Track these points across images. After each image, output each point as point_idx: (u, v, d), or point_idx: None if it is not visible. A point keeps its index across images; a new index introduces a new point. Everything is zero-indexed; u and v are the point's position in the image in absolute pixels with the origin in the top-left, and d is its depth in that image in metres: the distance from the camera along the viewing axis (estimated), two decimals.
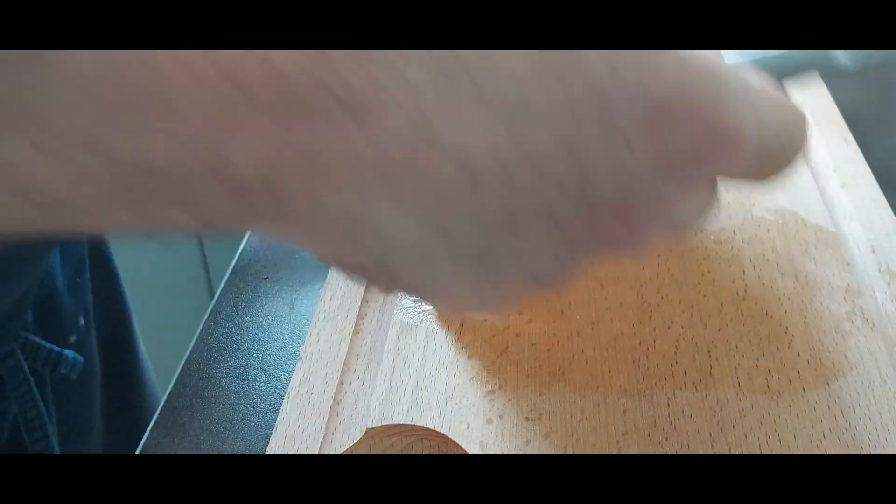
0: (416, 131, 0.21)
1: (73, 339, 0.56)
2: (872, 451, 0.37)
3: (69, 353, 0.53)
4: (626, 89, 0.22)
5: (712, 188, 0.26)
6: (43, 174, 0.19)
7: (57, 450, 0.53)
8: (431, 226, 0.22)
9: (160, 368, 0.70)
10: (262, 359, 0.45)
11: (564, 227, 0.23)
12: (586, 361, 0.40)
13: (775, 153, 0.26)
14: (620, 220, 0.23)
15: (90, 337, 0.59)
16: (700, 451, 0.37)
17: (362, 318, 0.43)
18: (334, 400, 0.39)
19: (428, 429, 0.37)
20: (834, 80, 0.66)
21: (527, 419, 0.37)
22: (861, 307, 0.43)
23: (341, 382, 0.40)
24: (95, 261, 0.61)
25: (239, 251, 0.54)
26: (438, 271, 0.23)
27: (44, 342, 0.52)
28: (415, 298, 0.32)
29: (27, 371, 0.50)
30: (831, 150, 0.57)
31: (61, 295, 0.55)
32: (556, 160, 0.22)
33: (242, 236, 0.56)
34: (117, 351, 0.63)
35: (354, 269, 0.25)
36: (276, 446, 0.37)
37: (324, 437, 0.37)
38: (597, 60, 0.22)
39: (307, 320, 0.48)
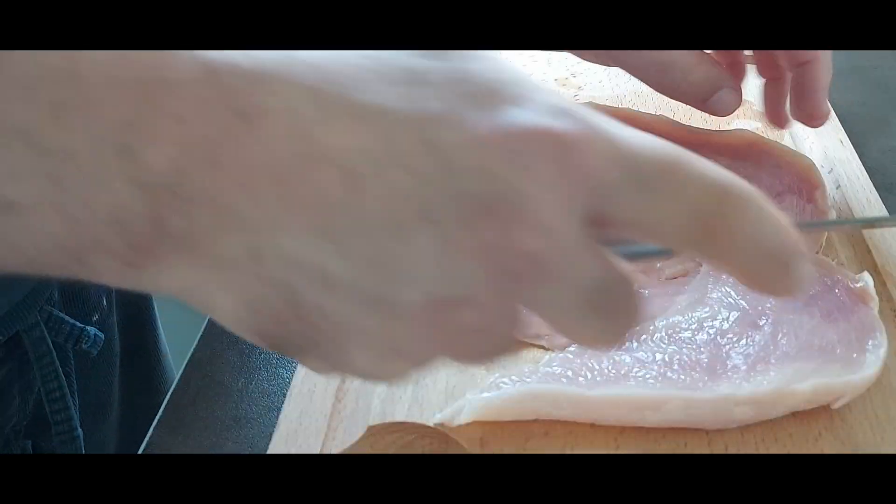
0: (299, 135, 0.23)
1: (95, 317, 0.58)
2: (868, 451, 0.37)
3: (91, 329, 0.55)
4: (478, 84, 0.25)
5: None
6: None
7: (77, 423, 0.54)
8: (325, 238, 0.24)
9: None
10: (265, 357, 0.46)
11: (441, 224, 0.24)
12: None
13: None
14: (493, 217, 0.24)
15: (111, 316, 0.61)
16: (697, 451, 0.37)
17: None
18: (336, 398, 0.39)
19: (429, 426, 0.37)
20: (831, 80, 0.66)
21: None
22: None
23: (343, 381, 0.40)
24: None
25: None
26: (339, 290, 0.24)
27: (66, 317, 0.54)
28: None
29: (50, 344, 0.52)
30: (827, 151, 0.57)
31: None
32: (420, 156, 0.24)
33: None
34: (137, 331, 0.65)
35: (266, 321, 0.25)
36: (278, 443, 0.37)
37: (325, 434, 0.38)
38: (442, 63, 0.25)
39: None
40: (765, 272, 0.27)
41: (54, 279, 0.49)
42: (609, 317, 0.27)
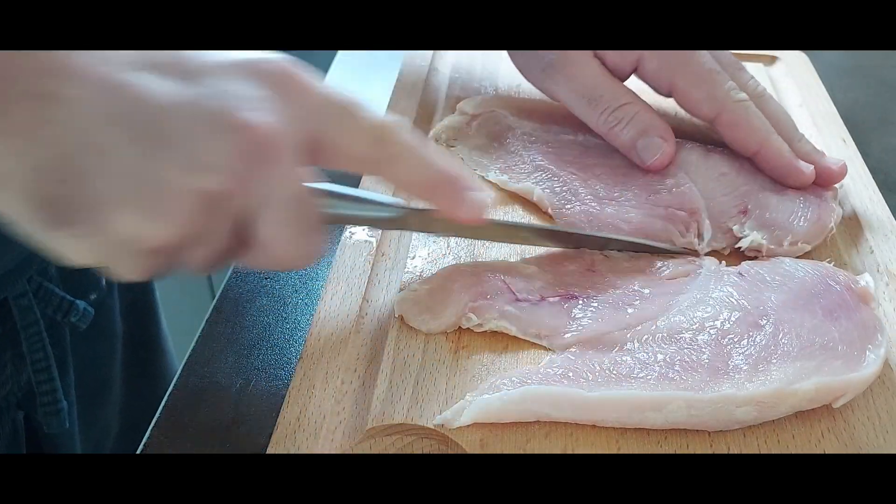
0: (80, 52, 0.30)
1: (93, 296, 0.59)
2: (871, 452, 0.37)
3: (81, 303, 0.56)
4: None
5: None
6: None
7: (61, 395, 0.55)
8: (105, 104, 0.30)
9: None
10: (263, 358, 0.46)
11: (197, 103, 0.31)
12: None
13: None
14: (235, 100, 0.32)
15: (112, 298, 0.62)
16: (699, 451, 0.37)
17: (362, 318, 0.43)
18: (335, 399, 0.39)
19: (428, 428, 0.37)
20: (832, 80, 0.66)
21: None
22: None
23: (341, 382, 0.40)
24: None
25: None
26: (111, 153, 0.30)
27: (57, 289, 0.55)
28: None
29: (38, 314, 0.53)
30: (830, 151, 0.57)
31: None
32: (172, 58, 0.32)
33: None
34: (139, 317, 0.67)
35: (46, 182, 0.30)
36: (277, 445, 0.37)
37: (324, 436, 0.38)
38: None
39: (307, 320, 0.48)
40: (433, 188, 0.38)
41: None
42: (307, 227, 0.35)
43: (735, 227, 0.47)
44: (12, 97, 0.29)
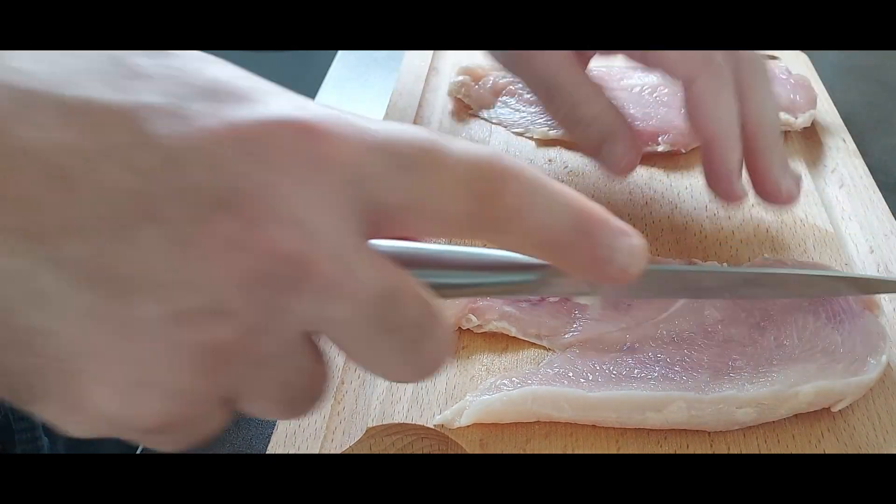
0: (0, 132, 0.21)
1: None
2: (871, 452, 0.37)
3: None
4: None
5: None
6: None
7: (41, 432, 0.52)
8: (34, 243, 0.21)
9: None
10: None
11: (170, 222, 0.22)
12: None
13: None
14: (231, 212, 0.22)
15: None
16: (699, 452, 0.37)
17: None
18: (335, 399, 0.39)
19: (428, 428, 0.37)
20: (832, 79, 0.66)
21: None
22: None
23: (342, 381, 0.40)
24: None
25: None
26: (57, 305, 0.22)
27: None
28: None
29: None
30: (829, 151, 0.57)
31: None
32: (136, 149, 0.22)
33: None
34: None
35: None
36: (276, 445, 0.37)
37: (324, 436, 0.38)
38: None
39: None
40: (567, 247, 0.26)
41: None
42: (406, 339, 0.24)
43: None
44: None
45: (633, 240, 0.27)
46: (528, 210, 0.25)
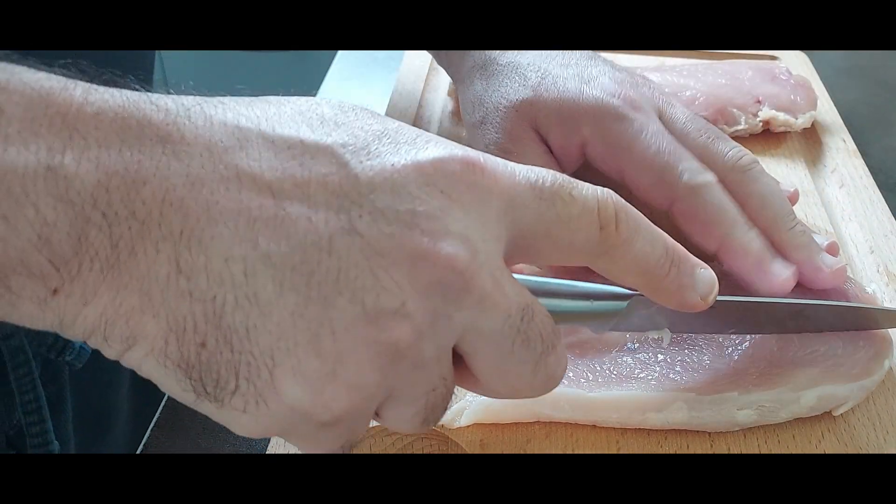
0: (217, 158, 0.25)
1: None
2: (871, 452, 0.37)
3: (77, 342, 0.52)
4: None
5: None
6: None
7: (52, 437, 0.53)
8: (251, 250, 0.25)
9: None
10: None
11: (366, 236, 0.25)
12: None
13: None
14: (416, 230, 0.26)
15: None
16: (699, 452, 0.37)
17: None
18: None
19: None
20: (832, 80, 0.66)
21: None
22: None
23: None
24: None
25: None
26: (266, 304, 0.25)
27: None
28: None
29: (30, 354, 0.50)
30: (829, 151, 0.57)
31: None
32: (337, 176, 0.26)
33: None
34: None
35: (191, 346, 0.25)
36: (276, 446, 0.37)
37: None
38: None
39: None
40: (659, 275, 0.31)
41: None
42: (535, 351, 0.28)
43: None
44: (138, 235, 0.24)
45: (709, 272, 0.32)
46: (635, 241, 0.30)
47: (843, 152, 0.56)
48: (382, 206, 0.26)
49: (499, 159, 0.29)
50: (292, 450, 0.37)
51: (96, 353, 0.56)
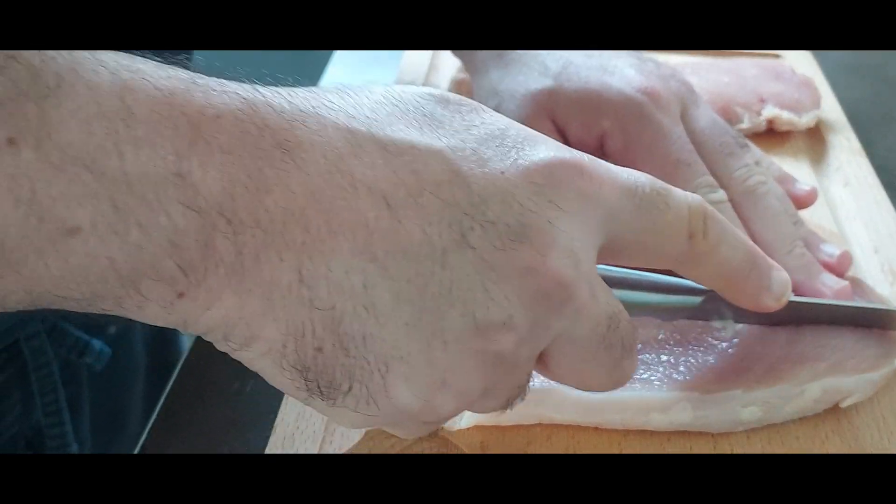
0: (335, 167, 0.25)
1: (112, 329, 0.57)
2: (876, 453, 0.37)
3: (97, 342, 0.53)
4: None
5: None
6: (49, 189, 0.22)
7: (71, 439, 0.53)
8: (370, 261, 0.25)
9: None
10: None
11: (479, 249, 0.26)
12: None
13: None
14: (528, 243, 0.26)
15: (132, 332, 0.60)
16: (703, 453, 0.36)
17: None
18: None
19: None
20: (836, 78, 0.66)
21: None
22: None
23: None
24: None
25: None
26: (382, 314, 0.25)
27: (72, 328, 0.52)
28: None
29: (51, 354, 0.51)
30: (833, 149, 0.56)
31: None
32: (448, 185, 0.26)
33: None
34: (162, 346, 0.65)
35: (308, 350, 0.26)
36: (274, 447, 0.37)
37: (322, 438, 0.37)
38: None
39: None
40: (741, 278, 0.32)
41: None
42: (615, 355, 0.29)
43: None
44: (262, 243, 0.24)
45: (784, 274, 0.33)
46: (720, 248, 0.31)
47: (847, 151, 0.56)
48: (494, 217, 0.26)
49: (601, 162, 0.29)
50: (291, 451, 0.37)
51: (115, 355, 0.55)
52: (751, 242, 0.32)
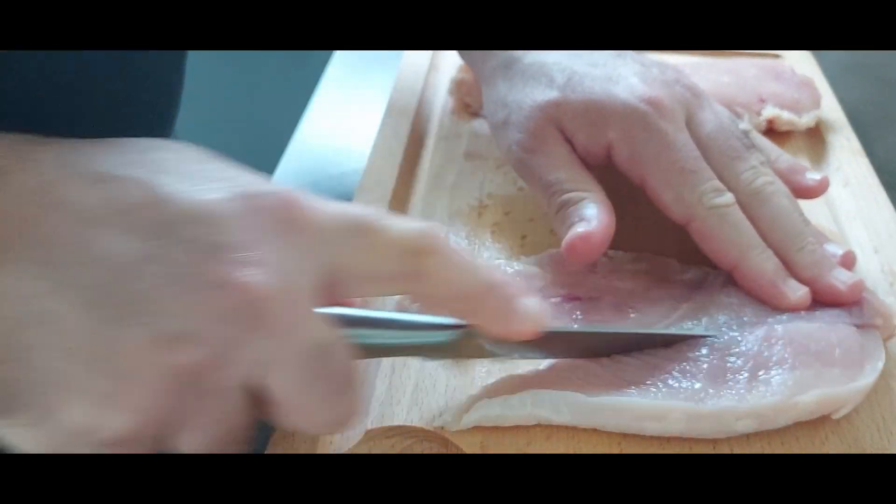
0: (42, 189, 0.27)
1: None
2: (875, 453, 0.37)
3: None
4: None
5: None
6: None
7: None
8: (48, 270, 0.26)
9: None
10: None
11: (168, 264, 0.26)
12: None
13: None
14: (218, 260, 0.27)
15: None
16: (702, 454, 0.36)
17: None
18: None
19: (428, 430, 0.37)
20: (836, 78, 0.66)
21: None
22: None
23: None
24: None
25: None
26: (54, 324, 0.26)
27: None
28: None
29: None
30: (833, 149, 0.56)
31: None
32: (145, 208, 0.27)
33: None
34: None
35: None
36: (274, 447, 0.37)
37: (322, 438, 0.37)
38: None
39: None
40: (476, 299, 0.32)
41: None
42: (330, 388, 0.29)
43: None
44: None
45: (534, 301, 0.34)
46: (446, 268, 0.31)
47: (847, 151, 0.56)
48: (191, 236, 0.27)
49: (315, 198, 0.30)
50: (292, 451, 0.37)
51: None
52: (490, 270, 0.33)
